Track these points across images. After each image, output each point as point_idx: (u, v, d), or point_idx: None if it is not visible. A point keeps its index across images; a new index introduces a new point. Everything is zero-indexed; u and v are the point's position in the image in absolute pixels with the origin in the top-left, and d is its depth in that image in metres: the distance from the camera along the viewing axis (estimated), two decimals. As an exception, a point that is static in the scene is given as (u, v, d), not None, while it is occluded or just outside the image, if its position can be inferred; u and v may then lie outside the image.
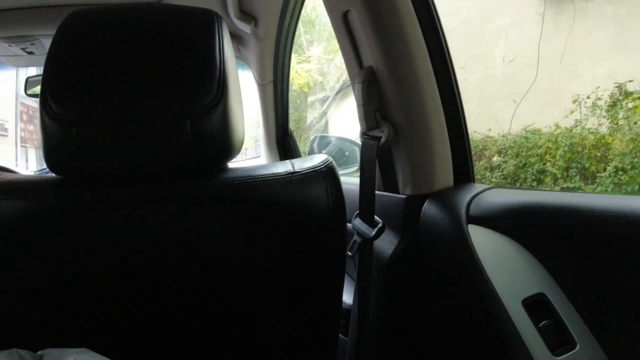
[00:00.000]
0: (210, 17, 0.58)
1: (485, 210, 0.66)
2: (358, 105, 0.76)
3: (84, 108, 0.51)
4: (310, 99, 6.06)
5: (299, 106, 5.97)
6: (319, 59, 5.79)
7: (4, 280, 0.55)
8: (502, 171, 3.71)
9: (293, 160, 0.63)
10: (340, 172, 1.66)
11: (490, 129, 3.99)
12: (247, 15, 1.22)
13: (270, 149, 1.82)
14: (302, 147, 1.95)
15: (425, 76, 0.71)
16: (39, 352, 0.50)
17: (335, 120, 5.60)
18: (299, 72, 5.44)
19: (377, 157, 0.76)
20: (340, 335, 0.85)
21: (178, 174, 0.56)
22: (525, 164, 3.62)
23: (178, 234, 0.56)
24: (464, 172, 0.78)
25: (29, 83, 1.74)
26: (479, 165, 3.85)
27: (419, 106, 0.72)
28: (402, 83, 0.71)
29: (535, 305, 0.60)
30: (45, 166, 1.77)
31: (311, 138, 1.83)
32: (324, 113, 5.68)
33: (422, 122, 0.72)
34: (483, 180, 3.72)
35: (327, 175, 0.61)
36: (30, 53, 1.46)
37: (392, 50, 0.70)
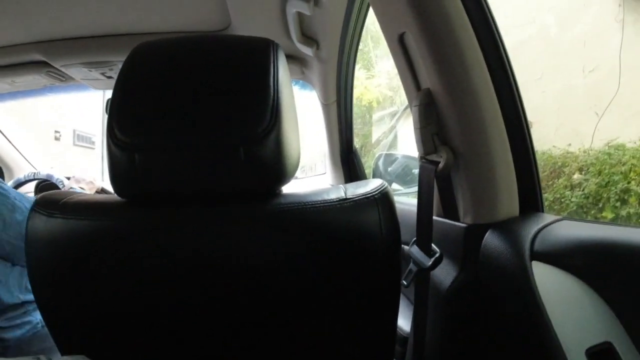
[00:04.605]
0: (266, 45, 0.60)
1: (552, 245, 0.59)
2: (415, 128, 0.74)
3: (146, 136, 0.54)
4: (379, 113, 6.01)
5: (368, 121, 5.94)
6: (388, 74, 5.73)
7: (70, 291, 0.60)
8: (583, 190, 3.41)
9: (347, 186, 0.62)
10: (406, 190, 1.61)
11: (570, 144, 3.69)
12: (309, 39, 1.24)
13: (335, 165, 1.82)
14: (371, 162, 1.94)
15: (486, 97, 0.67)
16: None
17: (404, 134, 5.49)
18: (368, 88, 5.42)
19: (435, 182, 0.72)
20: None
21: (233, 197, 0.58)
22: (608, 182, 3.30)
23: (229, 255, 0.57)
24: (531, 200, 0.72)
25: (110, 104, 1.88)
26: (558, 184, 3.56)
27: (480, 129, 0.67)
28: (461, 105, 0.67)
29: (600, 356, 0.53)
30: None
31: (376, 155, 1.81)
32: (393, 127, 5.60)
33: (483, 146, 0.67)
34: (563, 200, 3.44)
35: (380, 202, 0.59)
36: (110, 77, 1.59)
37: (449, 71, 0.67)
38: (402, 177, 1.67)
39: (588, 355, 0.53)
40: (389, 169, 1.76)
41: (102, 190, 1.91)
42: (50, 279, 0.60)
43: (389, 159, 1.82)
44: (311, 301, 0.60)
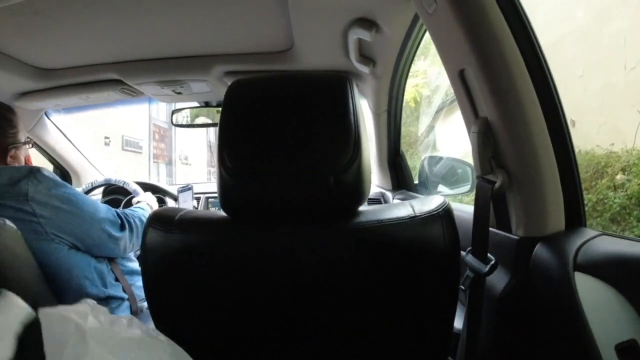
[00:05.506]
0: (343, 82, 0.71)
1: (592, 258, 0.70)
2: (474, 151, 0.84)
3: (252, 165, 0.67)
4: (417, 113, 6.02)
5: (405, 120, 5.95)
6: (425, 73, 5.72)
7: (186, 298, 0.73)
8: (626, 191, 3.37)
9: (413, 202, 0.73)
10: (452, 191, 1.69)
11: (613, 144, 3.62)
12: (367, 58, 1.35)
13: (382, 169, 1.93)
14: (410, 161, 2.02)
15: (537, 126, 0.77)
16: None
17: (443, 134, 5.49)
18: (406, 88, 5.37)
19: (491, 199, 0.83)
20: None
21: (321, 217, 0.70)
22: (650, 182, 3.25)
23: (318, 265, 0.70)
24: (575, 216, 0.82)
25: (175, 114, 2.00)
26: (601, 184, 3.51)
27: (532, 154, 0.77)
28: (515, 133, 0.77)
29: (627, 350, 0.64)
30: (185, 184, 2.06)
31: (422, 158, 1.89)
32: (432, 127, 5.62)
33: (534, 170, 0.78)
34: (606, 201, 3.40)
35: (444, 218, 0.70)
36: (179, 93, 1.74)
37: (505, 104, 0.77)
38: (448, 179, 1.74)
39: (617, 350, 0.64)
40: (434, 170, 1.84)
41: (157, 189, 2.08)
42: (168, 287, 0.72)
43: (434, 160, 1.90)
44: (382, 304, 0.72)
